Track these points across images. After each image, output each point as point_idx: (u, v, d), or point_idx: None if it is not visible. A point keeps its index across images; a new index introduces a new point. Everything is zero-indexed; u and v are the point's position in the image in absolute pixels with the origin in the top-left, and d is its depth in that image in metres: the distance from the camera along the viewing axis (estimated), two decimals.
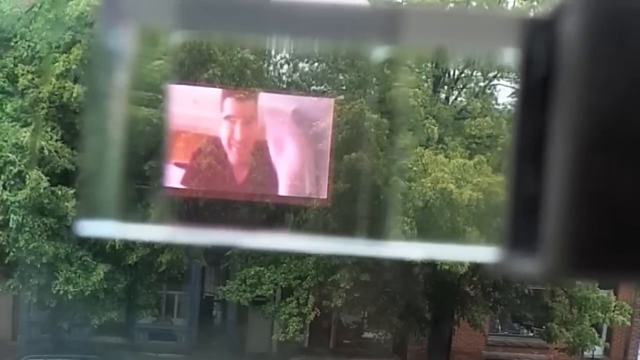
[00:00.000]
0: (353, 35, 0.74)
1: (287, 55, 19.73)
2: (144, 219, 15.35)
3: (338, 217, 16.38)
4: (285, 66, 19.93)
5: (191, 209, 17.61)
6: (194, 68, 17.00)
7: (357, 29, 0.73)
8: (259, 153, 15.53)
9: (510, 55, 0.74)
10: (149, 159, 16.17)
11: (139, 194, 17.07)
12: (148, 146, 15.37)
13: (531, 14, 0.75)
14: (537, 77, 0.74)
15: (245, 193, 16.19)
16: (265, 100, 16.17)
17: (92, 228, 0.93)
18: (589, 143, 0.69)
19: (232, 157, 15.58)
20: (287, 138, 15.56)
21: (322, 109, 16.26)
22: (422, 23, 0.73)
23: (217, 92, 15.99)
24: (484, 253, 0.82)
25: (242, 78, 17.33)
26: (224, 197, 16.49)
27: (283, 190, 15.66)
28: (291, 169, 15.52)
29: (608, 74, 0.68)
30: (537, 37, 0.73)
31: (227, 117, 15.46)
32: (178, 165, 15.43)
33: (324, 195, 15.46)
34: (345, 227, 15.46)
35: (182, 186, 15.65)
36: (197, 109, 15.39)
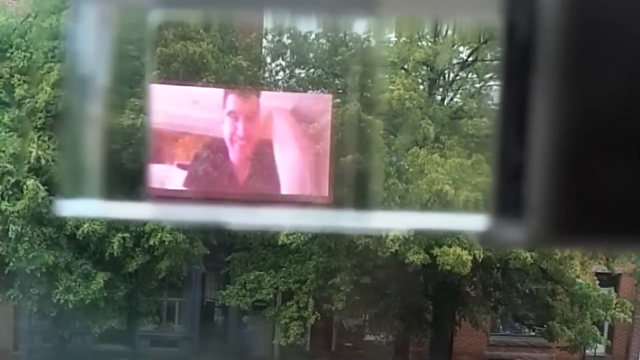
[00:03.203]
0: (330, 8, 0.74)
1: (283, 63, 19.74)
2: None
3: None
4: (281, 73, 19.94)
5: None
6: (188, 77, 17.01)
7: (334, 1, 0.73)
8: (261, 152, 15.49)
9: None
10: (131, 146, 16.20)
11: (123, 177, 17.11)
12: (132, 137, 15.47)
13: None
14: (519, 44, 0.74)
15: (246, 193, 16.14)
16: (266, 98, 16.16)
17: (72, 207, 0.93)
18: (571, 110, 0.70)
19: (233, 155, 15.54)
20: (288, 136, 15.52)
21: (321, 107, 16.24)
22: None
23: (217, 92, 15.96)
24: (471, 221, 0.82)
25: (237, 85, 17.32)
26: (225, 198, 16.43)
27: (284, 189, 15.61)
28: (292, 168, 15.49)
29: (586, 39, 0.68)
30: (519, 3, 0.73)
31: (229, 114, 15.41)
32: (180, 166, 15.40)
33: (325, 194, 15.39)
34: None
35: (184, 188, 15.60)
36: (197, 110, 15.36)
